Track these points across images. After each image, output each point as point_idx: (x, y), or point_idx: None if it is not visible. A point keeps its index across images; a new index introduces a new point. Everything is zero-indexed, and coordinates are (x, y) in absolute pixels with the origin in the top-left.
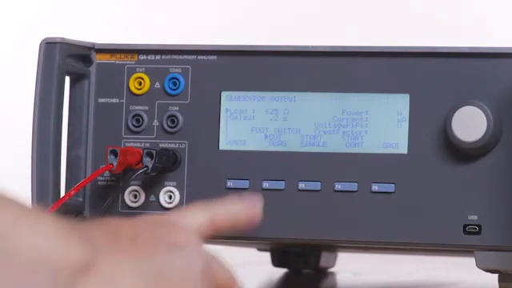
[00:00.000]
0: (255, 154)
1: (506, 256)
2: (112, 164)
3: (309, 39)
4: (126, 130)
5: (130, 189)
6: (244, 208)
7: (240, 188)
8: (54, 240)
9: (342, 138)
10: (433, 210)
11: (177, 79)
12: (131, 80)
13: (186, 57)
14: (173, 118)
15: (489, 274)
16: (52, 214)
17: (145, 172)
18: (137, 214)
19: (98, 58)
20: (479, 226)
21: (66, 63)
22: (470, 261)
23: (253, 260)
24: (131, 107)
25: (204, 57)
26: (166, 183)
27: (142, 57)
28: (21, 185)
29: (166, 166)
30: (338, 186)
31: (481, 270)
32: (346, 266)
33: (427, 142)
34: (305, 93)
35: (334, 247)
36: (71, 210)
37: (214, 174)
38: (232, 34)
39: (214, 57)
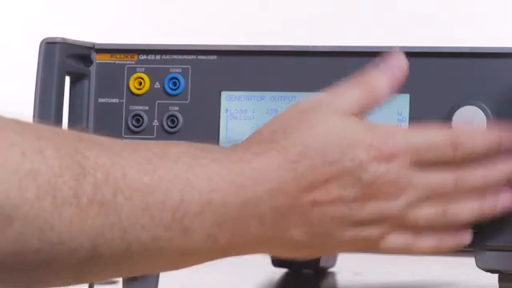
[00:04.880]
0: None
1: (506, 256)
2: None
3: (309, 39)
4: (126, 129)
5: None
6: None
7: None
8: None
9: None
10: None
11: (177, 79)
12: (131, 80)
13: (186, 57)
14: (173, 118)
15: (489, 274)
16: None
17: None
18: None
19: (98, 58)
20: (479, 226)
21: (66, 63)
22: (470, 261)
23: (253, 260)
24: (131, 107)
25: (204, 57)
26: None
27: (142, 57)
28: None
29: None
30: None
31: (481, 270)
32: (346, 266)
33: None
34: (305, 93)
35: None
36: None
37: None
38: (232, 34)
39: (214, 57)
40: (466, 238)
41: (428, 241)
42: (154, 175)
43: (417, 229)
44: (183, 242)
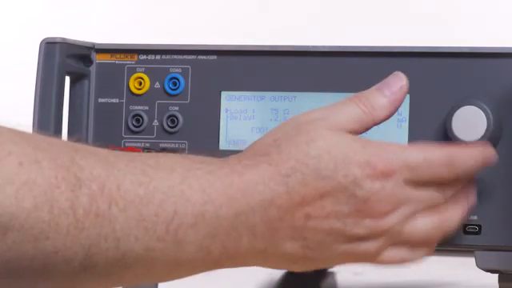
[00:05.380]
0: None
1: (506, 256)
2: None
3: (309, 39)
4: (126, 129)
5: None
6: (392, 89)
7: None
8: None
9: None
10: None
11: (177, 79)
12: (131, 80)
13: (186, 57)
14: (173, 118)
15: (489, 273)
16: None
17: None
18: None
19: (98, 58)
20: (479, 226)
21: (66, 63)
22: (470, 261)
23: None
24: (131, 107)
25: (204, 57)
26: None
27: (142, 57)
28: None
29: None
30: None
31: (481, 270)
32: (346, 265)
33: (427, 142)
34: (305, 93)
35: None
36: None
37: None
38: (232, 34)
39: (214, 57)
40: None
41: (423, 251)
42: (148, 187)
43: (412, 241)
44: (176, 254)
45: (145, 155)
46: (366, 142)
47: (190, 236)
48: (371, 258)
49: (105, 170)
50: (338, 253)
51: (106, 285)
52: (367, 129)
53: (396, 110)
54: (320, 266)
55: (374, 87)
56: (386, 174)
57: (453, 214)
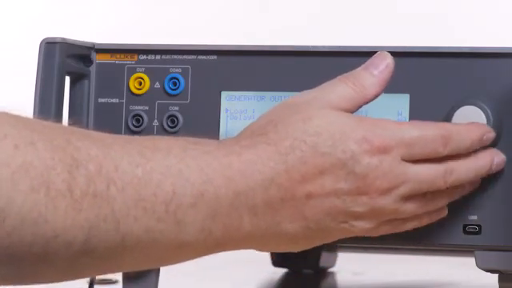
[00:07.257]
0: None
1: (506, 256)
2: None
3: (309, 39)
4: (126, 129)
5: None
6: (378, 74)
7: None
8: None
9: None
10: None
11: (177, 79)
12: (131, 80)
13: (186, 57)
14: (173, 118)
15: (489, 273)
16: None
17: None
18: None
19: (98, 58)
20: (479, 226)
21: (66, 63)
22: (470, 261)
23: (253, 260)
24: (131, 107)
25: (204, 57)
26: None
27: (142, 57)
28: None
29: None
30: None
31: (481, 270)
32: (346, 265)
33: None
34: None
35: (333, 247)
36: None
37: None
38: (232, 34)
39: (214, 57)
40: (443, 213)
41: (412, 223)
42: (145, 167)
43: (404, 217)
44: (177, 235)
45: (141, 138)
46: (361, 118)
47: (190, 216)
48: (365, 233)
49: (101, 151)
50: (336, 231)
51: (106, 269)
52: (359, 107)
53: (384, 88)
54: (318, 244)
55: (360, 68)
56: (382, 150)
57: (444, 196)
